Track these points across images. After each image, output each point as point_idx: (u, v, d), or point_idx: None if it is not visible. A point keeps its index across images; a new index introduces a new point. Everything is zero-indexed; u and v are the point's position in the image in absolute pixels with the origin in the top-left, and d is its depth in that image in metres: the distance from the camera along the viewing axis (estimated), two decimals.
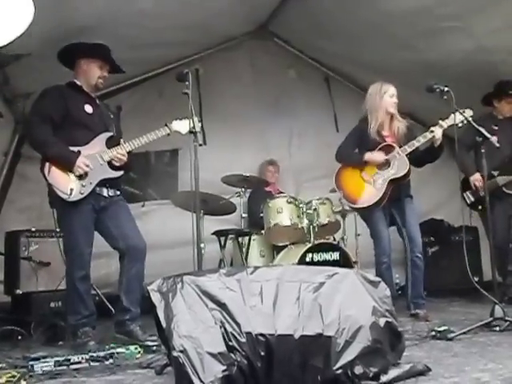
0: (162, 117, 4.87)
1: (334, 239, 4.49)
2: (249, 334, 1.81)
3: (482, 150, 3.39)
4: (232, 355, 1.78)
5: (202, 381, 1.70)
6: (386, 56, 5.01)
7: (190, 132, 3.15)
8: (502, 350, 2.44)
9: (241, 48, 5.63)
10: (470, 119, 3.40)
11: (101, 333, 3.14)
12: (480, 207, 4.30)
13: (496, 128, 4.33)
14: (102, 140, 3.10)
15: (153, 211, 5.05)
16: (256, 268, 2.06)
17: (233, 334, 1.81)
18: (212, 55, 5.51)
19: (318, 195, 4.36)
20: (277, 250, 4.36)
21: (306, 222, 4.23)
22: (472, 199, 4.37)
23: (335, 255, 4.07)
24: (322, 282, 2.00)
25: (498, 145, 3.47)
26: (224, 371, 1.75)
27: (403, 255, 3.91)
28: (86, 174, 2.95)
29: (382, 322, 1.97)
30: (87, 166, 2.94)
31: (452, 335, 2.72)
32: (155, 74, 5.34)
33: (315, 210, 4.23)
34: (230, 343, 1.80)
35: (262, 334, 1.83)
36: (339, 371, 1.85)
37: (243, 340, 1.80)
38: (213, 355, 1.76)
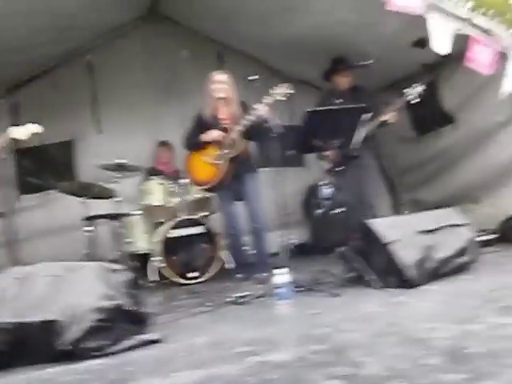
0: (58, 109, 5.31)
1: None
2: None
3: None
4: None
5: None
6: (254, 33, 5.31)
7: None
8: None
9: (132, 34, 5.89)
10: (281, 96, 3.69)
11: None
12: (334, 171, 4.64)
13: (338, 102, 4.62)
14: None
15: (56, 199, 5.44)
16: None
17: None
18: (104, 44, 5.79)
19: None
20: (156, 227, 4.77)
21: (176, 200, 4.61)
22: (328, 165, 4.69)
23: (200, 229, 4.47)
24: (58, 275, 2.41)
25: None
26: None
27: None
28: None
29: (110, 304, 2.36)
30: None
31: (241, 300, 3.12)
32: (49, 68, 5.65)
33: (186, 188, 4.60)
34: None
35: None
36: (68, 347, 2.27)
37: None
38: None
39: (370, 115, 4.33)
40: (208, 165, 4.04)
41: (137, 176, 4.98)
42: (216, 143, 4.02)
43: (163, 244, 4.35)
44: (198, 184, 4.15)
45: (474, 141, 5.04)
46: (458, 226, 3.44)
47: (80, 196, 4.54)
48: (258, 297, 3.14)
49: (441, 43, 4.06)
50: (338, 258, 3.41)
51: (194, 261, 4.39)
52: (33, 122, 3.64)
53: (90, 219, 4.46)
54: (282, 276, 2.95)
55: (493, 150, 4.89)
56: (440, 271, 3.18)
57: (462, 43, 4.04)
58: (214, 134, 3.99)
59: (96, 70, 5.71)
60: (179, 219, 4.46)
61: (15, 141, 3.64)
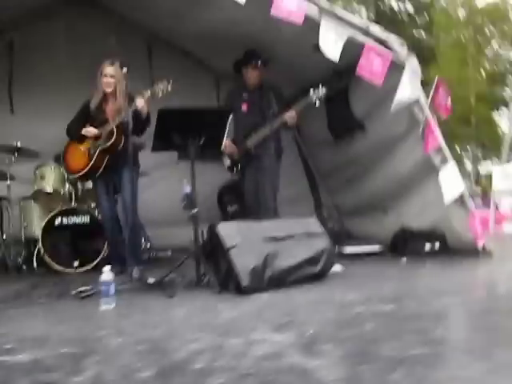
0: None
1: None
2: None
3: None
4: None
5: None
6: (175, 25, 5.27)
7: None
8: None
9: (56, 16, 5.80)
10: (160, 92, 3.65)
11: None
12: (235, 170, 4.60)
13: (246, 96, 4.57)
14: None
15: None
16: None
17: None
18: (26, 25, 5.70)
19: None
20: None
21: (68, 187, 4.58)
22: (228, 163, 4.65)
23: (85, 219, 4.44)
24: None
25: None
26: None
27: None
28: None
29: None
30: None
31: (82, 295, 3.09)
32: None
33: None
34: None
35: None
36: None
37: None
38: None
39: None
40: (83, 154, 4.00)
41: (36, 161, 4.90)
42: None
43: (45, 231, 4.31)
44: (71, 172, 4.11)
45: (381, 150, 5.02)
46: (313, 235, 3.42)
47: None
48: (92, 293, 3.10)
49: (332, 49, 4.02)
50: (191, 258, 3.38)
51: (75, 251, 4.35)
52: None
53: None
54: (107, 273, 2.91)
55: (396, 160, 4.88)
56: (283, 279, 3.17)
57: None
58: (90, 131, 3.96)
59: (16, 50, 5.62)
60: (65, 208, 4.42)
61: None
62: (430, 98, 4.18)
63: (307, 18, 3.94)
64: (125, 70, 4.00)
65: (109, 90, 4.02)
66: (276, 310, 2.62)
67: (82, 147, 4.03)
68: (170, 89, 3.77)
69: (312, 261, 3.31)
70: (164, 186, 5.88)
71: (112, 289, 2.89)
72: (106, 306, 2.82)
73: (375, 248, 4.70)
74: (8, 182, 4.54)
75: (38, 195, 4.63)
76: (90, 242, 4.40)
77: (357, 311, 2.45)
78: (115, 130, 3.89)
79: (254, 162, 4.47)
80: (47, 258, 4.28)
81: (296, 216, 6.00)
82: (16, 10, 5.47)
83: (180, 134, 3.38)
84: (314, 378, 1.57)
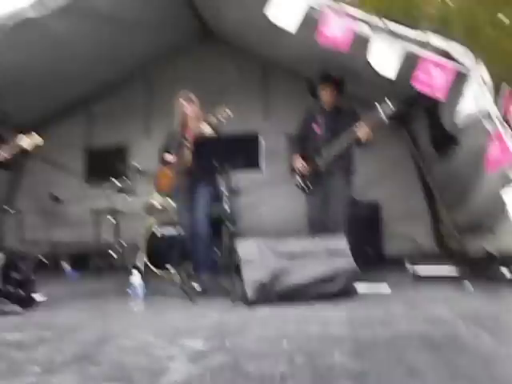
0: (122, 117, 6.46)
1: None
2: None
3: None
4: None
5: None
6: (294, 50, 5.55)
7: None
8: None
9: (187, 53, 6.74)
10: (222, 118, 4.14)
11: None
12: (304, 188, 4.79)
13: (320, 116, 4.73)
14: None
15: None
16: None
17: None
18: (165, 62, 6.76)
19: None
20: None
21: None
22: (298, 181, 4.84)
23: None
24: None
25: None
26: None
27: None
28: None
29: None
30: None
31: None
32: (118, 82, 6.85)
33: None
34: None
35: None
36: None
37: None
38: None
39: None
40: (165, 176, 4.63)
41: None
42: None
43: (148, 240, 5.13)
44: (160, 190, 4.78)
45: (475, 164, 4.64)
46: (335, 253, 3.48)
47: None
48: None
49: (386, 66, 3.97)
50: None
51: (168, 256, 5.03)
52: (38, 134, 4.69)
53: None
54: (136, 277, 3.47)
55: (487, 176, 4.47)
56: (294, 295, 3.32)
57: None
58: (168, 157, 4.57)
59: (154, 85, 6.69)
60: (165, 220, 5.18)
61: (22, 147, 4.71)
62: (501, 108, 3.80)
63: (360, 38, 3.98)
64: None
65: (190, 114, 4.59)
66: (260, 323, 2.80)
67: (167, 170, 4.67)
68: (230, 114, 4.20)
69: (328, 279, 3.36)
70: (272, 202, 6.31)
71: (140, 291, 3.44)
72: (137, 305, 3.39)
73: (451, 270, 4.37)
74: (127, 197, 5.48)
75: (150, 209, 5.47)
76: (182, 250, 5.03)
77: (331, 333, 2.51)
78: (191, 154, 4.44)
79: (323, 181, 4.57)
80: (148, 263, 5.07)
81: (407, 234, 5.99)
82: (155, 49, 6.55)
83: (218, 158, 3.78)
84: None
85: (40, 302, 3.63)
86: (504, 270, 4.02)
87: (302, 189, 4.85)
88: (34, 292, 3.61)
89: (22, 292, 3.45)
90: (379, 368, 1.89)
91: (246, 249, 3.43)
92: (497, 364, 1.90)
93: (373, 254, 5.75)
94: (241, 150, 3.83)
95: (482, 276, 4.19)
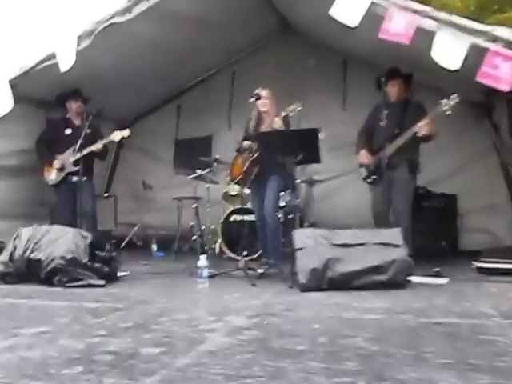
0: (206, 110, 6.95)
1: None
2: None
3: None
4: None
5: None
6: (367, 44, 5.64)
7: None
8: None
9: (267, 48, 7.01)
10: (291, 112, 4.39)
11: None
12: (369, 180, 4.90)
13: (386, 110, 4.80)
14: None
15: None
16: None
17: None
18: (246, 59, 7.09)
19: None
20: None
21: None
22: (365, 173, 4.95)
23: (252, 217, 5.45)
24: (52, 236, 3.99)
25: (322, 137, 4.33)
26: None
27: None
28: (61, 168, 5.37)
29: (69, 256, 3.82)
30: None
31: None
32: (204, 77, 7.32)
33: None
34: None
35: None
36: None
37: None
38: None
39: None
40: (239, 165, 4.94)
41: None
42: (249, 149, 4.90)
43: (223, 225, 5.53)
44: (232, 179, 5.11)
45: None
46: (388, 245, 3.61)
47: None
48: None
49: (450, 59, 3.96)
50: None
51: (244, 242, 5.37)
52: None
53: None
54: (202, 261, 3.85)
55: None
56: (345, 282, 3.52)
57: None
58: (245, 145, 4.87)
59: (237, 80, 7.05)
60: (238, 207, 5.53)
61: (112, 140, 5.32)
62: None
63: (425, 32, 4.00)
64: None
65: (263, 109, 4.88)
66: (303, 307, 3.06)
67: (240, 159, 4.99)
68: (299, 108, 4.43)
69: (379, 269, 3.51)
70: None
71: (205, 272, 3.82)
72: (202, 285, 3.77)
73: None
74: (207, 185, 5.90)
75: (227, 196, 5.87)
76: (254, 236, 5.36)
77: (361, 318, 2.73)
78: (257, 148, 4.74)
79: (386, 175, 4.65)
80: (224, 247, 5.47)
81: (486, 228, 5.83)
82: (237, 46, 6.90)
83: (280, 153, 4.03)
84: None
85: (122, 277, 4.15)
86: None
87: (367, 182, 4.97)
88: (118, 268, 4.12)
89: (106, 268, 3.96)
90: (388, 351, 2.06)
91: (302, 238, 3.66)
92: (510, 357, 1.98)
93: (447, 247, 5.70)
94: (302, 145, 4.04)
95: None
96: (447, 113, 4.32)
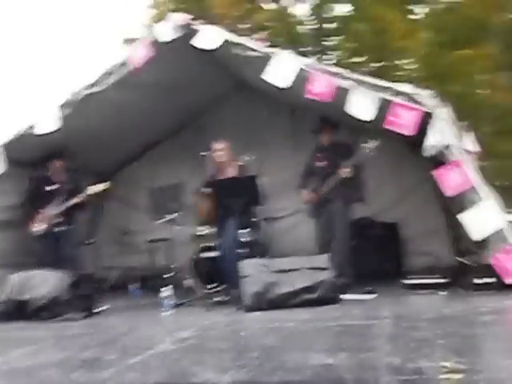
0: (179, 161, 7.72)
1: None
2: None
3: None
4: None
5: None
6: None
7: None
8: None
9: (228, 101, 7.90)
10: None
11: None
12: (312, 215, 5.69)
13: (321, 153, 5.63)
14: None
15: None
16: None
17: None
18: (209, 110, 7.97)
19: None
20: None
21: None
22: (309, 209, 5.74)
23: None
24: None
25: None
26: None
27: None
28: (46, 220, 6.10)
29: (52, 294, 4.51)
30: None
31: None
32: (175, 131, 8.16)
33: None
34: None
35: None
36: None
37: None
38: None
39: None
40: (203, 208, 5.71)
41: None
42: None
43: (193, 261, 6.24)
44: (199, 221, 5.88)
45: None
46: (317, 269, 4.34)
47: None
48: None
49: (364, 111, 4.79)
50: None
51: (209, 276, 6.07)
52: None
53: None
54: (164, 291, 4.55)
55: None
56: (282, 302, 4.22)
57: None
58: (206, 191, 5.65)
59: (202, 131, 7.90)
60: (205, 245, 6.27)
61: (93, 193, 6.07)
62: None
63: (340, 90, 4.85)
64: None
65: (220, 160, 5.67)
66: (240, 322, 3.77)
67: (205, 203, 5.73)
68: (252, 158, 5.24)
69: (310, 289, 4.23)
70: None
71: (167, 302, 4.52)
72: (165, 312, 4.47)
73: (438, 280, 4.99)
74: (178, 227, 6.62)
75: (195, 236, 6.59)
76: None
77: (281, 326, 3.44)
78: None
79: (325, 209, 5.45)
80: (193, 281, 6.16)
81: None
82: (200, 101, 7.77)
83: (231, 197, 4.83)
84: None
85: (101, 311, 4.82)
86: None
87: (311, 216, 5.75)
88: (96, 304, 4.81)
89: (85, 303, 4.65)
90: (286, 346, 2.77)
91: (247, 267, 4.39)
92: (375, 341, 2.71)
93: (391, 270, 6.41)
94: (245, 190, 4.83)
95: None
96: (370, 153, 5.14)
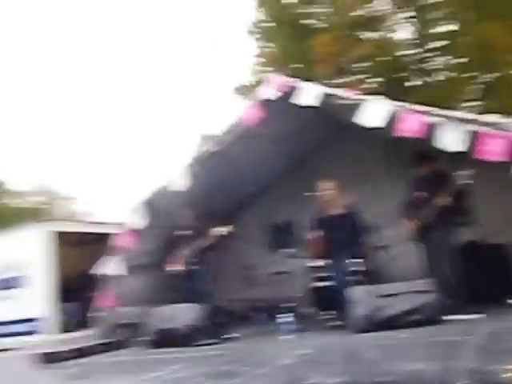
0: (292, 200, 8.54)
1: None
2: None
3: None
4: None
5: None
6: None
7: None
8: None
9: (333, 144, 8.55)
10: None
11: None
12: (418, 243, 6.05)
13: (419, 185, 6.04)
14: None
15: None
16: None
17: None
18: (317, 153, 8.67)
19: None
20: None
21: None
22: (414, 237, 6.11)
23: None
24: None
25: None
26: None
27: None
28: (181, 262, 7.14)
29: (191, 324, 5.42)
30: None
31: None
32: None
33: None
34: None
35: None
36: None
37: None
38: None
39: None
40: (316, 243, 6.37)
41: None
42: None
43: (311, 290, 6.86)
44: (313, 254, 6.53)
45: None
46: (421, 292, 4.77)
47: None
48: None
49: (454, 143, 5.17)
50: None
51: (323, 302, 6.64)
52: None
53: None
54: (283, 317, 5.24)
55: None
56: (388, 324, 4.69)
57: None
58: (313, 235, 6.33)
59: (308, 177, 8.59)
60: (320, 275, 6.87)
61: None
62: None
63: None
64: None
65: (327, 199, 6.33)
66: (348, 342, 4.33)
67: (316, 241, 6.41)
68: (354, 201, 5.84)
69: (413, 311, 4.66)
70: None
71: (287, 326, 5.20)
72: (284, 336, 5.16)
73: None
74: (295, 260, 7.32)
75: (310, 268, 7.23)
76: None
77: None
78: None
79: (429, 234, 5.82)
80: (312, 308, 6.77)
81: None
82: (308, 145, 8.52)
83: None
84: None
85: (232, 338, 5.62)
86: None
87: (416, 243, 6.13)
88: (226, 332, 5.63)
89: (217, 331, 5.49)
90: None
91: (357, 293, 4.95)
92: None
93: (500, 291, 6.45)
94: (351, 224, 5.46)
95: None
96: (467, 181, 5.45)
